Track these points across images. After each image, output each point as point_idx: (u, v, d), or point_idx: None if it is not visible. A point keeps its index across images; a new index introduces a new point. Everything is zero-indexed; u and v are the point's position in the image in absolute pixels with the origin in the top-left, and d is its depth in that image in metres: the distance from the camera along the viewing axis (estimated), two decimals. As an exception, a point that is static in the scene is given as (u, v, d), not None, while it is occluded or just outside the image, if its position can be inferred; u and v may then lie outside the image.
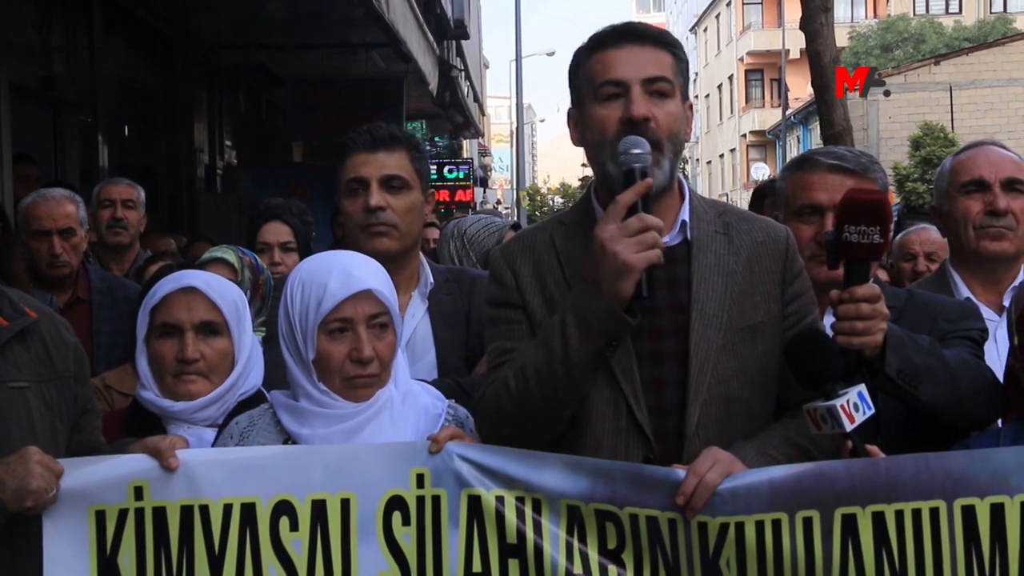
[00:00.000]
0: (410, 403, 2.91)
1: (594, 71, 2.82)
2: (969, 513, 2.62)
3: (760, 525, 2.62)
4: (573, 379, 2.68)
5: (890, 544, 2.62)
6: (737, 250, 2.86)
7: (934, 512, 2.62)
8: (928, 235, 6.22)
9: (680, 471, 2.63)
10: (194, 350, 3.15)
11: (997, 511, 2.62)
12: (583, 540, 2.68)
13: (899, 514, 2.62)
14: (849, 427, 2.59)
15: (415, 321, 3.56)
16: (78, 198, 5.63)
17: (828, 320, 2.96)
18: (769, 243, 2.91)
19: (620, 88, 2.77)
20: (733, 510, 2.61)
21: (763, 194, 6.08)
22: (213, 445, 2.99)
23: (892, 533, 2.62)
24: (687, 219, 2.86)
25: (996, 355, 3.31)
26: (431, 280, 3.64)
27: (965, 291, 3.72)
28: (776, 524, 2.62)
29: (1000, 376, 3.10)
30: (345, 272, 2.83)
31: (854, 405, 2.60)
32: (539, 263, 2.87)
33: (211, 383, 3.19)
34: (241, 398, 3.22)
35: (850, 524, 2.62)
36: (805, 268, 3.16)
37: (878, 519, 2.62)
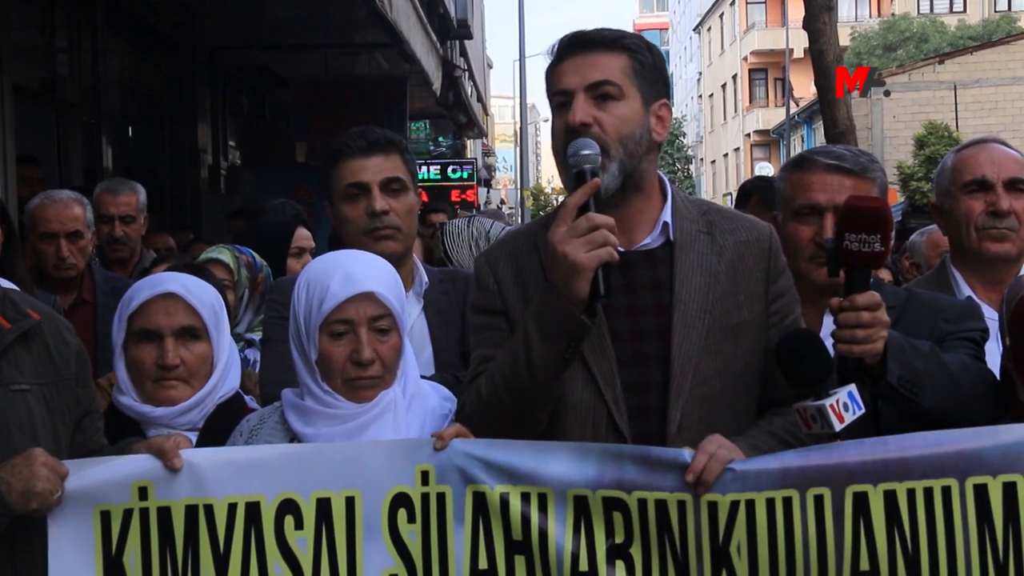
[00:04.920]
0: (418, 404, 2.92)
1: (549, 84, 2.88)
2: (982, 492, 2.62)
3: (771, 503, 2.62)
4: (538, 382, 2.69)
5: (902, 523, 2.62)
6: (720, 249, 2.87)
7: (946, 491, 2.62)
8: None
9: (687, 452, 2.64)
10: (174, 356, 3.15)
11: (1010, 490, 2.62)
12: (590, 534, 2.68)
13: (911, 492, 2.62)
14: (838, 427, 2.60)
15: (411, 320, 3.55)
16: (85, 200, 5.65)
17: (828, 322, 2.96)
18: (753, 242, 2.91)
19: (567, 97, 2.81)
20: (743, 487, 2.62)
21: (748, 193, 6.04)
22: (225, 443, 2.99)
23: (904, 511, 2.62)
24: (669, 220, 2.87)
25: (998, 355, 3.31)
26: (426, 280, 3.66)
27: (967, 290, 3.69)
28: (787, 502, 2.62)
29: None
30: (348, 274, 2.83)
31: (844, 405, 2.61)
32: (521, 268, 2.89)
33: (191, 388, 3.19)
34: (219, 401, 3.23)
35: (861, 502, 2.62)
36: (805, 269, 3.18)
37: (890, 497, 2.62)
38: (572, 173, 2.71)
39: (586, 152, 2.71)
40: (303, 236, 5.45)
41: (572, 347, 2.67)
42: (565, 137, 2.78)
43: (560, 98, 2.83)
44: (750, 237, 2.92)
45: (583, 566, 2.66)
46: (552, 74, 2.89)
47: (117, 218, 6.31)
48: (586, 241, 2.59)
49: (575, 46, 2.86)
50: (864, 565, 2.62)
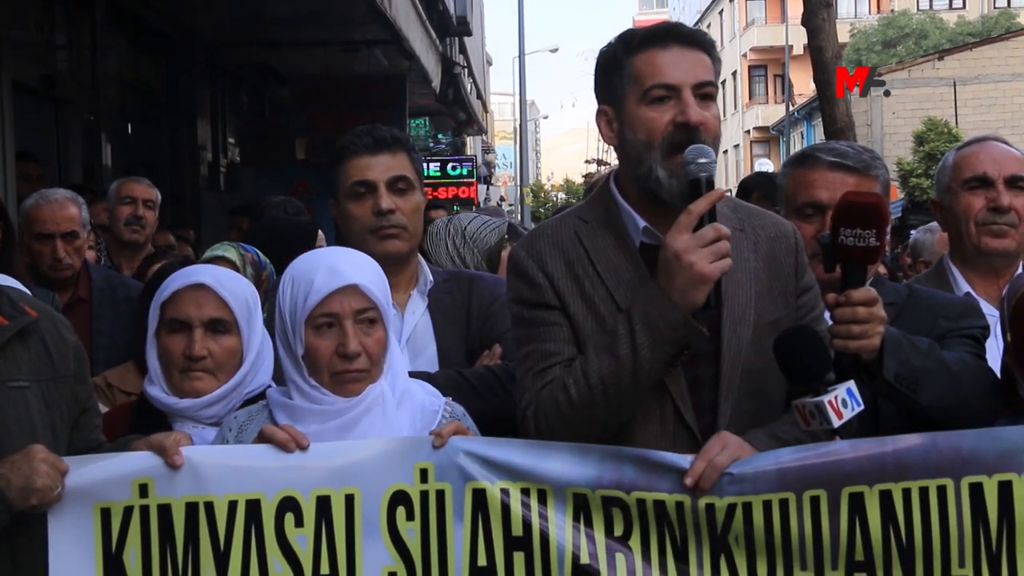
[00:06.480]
0: (407, 400, 2.92)
1: (641, 72, 2.80)
2: (977, 491, 2.63)
3: (768, 505, 2.64)
4: (640, 387, 2.69)
5: (897, 522, 2.64)
6: (755, 246, 2.89)
7: (941, 490, 2.64)
8: None
9: (687, 457, 2.65)
10: (201, 347, 3.13)
11: (1005, 488, 2.63)
12: (589, 529, 2.69)
13: (906, 492, 2.64)
14: (837, 423, 2.60)
15: (415, 318, 3.58)
16: (80, 200, 5.63)
17: (826, 318, 2.96)
18: (781, 238, 2.93)
19: (671, 92, 2.77)
20: (740, 491, 2.63)
21: (749, 189, 6.04)
22: (213, 439, 3.00)
23: (899, 511, 2.64)
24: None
25: (997, 351, 3.30)
26: (430, 279, 3.65)
27: (965, 286, 3.71)
28: (784, 504, 2.64)
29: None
30: (331, 268, 2.84)
31: (842, 401, 2.61)
32: (570, 263, 2.85)
33: (218, 380, 3.17)
34: (248, 396, 3.20)
35: (857, 502, 2.63)
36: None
37: (885, 497, 2.64)
38: (687, 180, 2.69)
39: (704, 160, 2.69)
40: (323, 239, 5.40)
41: (682, 353, 2.68)
42: (673, 132, 2.75)
43: (662, 91, 2.77)
44: (778, 233, 2.93)
45: (583, 559, 2.67)
46: (640, 61, 2.80)
47: (140, 200, 6.45)
48: (712, 252, 2.60)
49: (671, 37, 2.81)
50: (859, 556, 2.65)
